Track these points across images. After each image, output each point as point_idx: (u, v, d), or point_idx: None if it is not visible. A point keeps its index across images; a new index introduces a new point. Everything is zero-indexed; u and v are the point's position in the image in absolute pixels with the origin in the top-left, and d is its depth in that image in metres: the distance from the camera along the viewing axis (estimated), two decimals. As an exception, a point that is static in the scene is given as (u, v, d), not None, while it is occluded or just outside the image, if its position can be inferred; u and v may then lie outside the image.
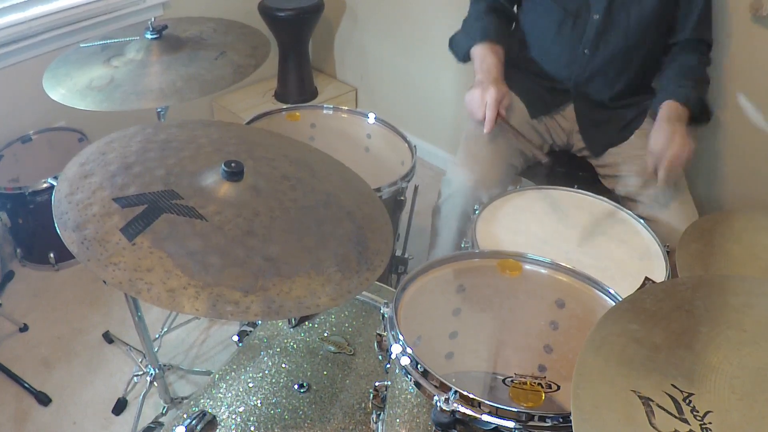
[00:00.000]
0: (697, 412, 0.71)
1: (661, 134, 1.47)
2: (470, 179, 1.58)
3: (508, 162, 1.66)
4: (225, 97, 2.84)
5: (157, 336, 1.94)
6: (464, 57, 1.71)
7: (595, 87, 1.66)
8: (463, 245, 1.39)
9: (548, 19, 1.65)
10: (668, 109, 1.51)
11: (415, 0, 2.52)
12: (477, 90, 1.57)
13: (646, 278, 1.09)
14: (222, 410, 1.16)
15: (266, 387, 1.21)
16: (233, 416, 1.15)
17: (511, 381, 1.05)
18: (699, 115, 1.56)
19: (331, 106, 1.81)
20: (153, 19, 1.57)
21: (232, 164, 0.99)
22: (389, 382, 1.03)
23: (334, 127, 1.80)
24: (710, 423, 0.69)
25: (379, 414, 1.07)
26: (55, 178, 1.03)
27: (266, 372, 1.24)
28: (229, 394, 1.19)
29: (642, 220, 1.44)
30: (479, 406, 0.87)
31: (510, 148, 1.67)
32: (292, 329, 1.33)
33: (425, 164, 2.71)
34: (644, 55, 1.65)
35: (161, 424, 1.59)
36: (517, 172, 1.73)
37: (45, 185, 2.04)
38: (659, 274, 1.29)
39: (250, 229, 0.94)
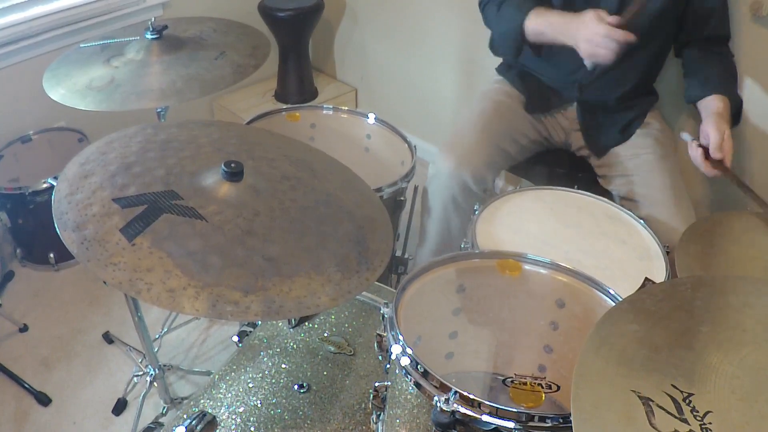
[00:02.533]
0: (697, 412, 0.71)
1: (721, 125, 1.43)
2: (452, 160, 1.58)
3: (497, 146, 1.66)
4: (225, 97, 2.84)
5: (157, 336, 1.94)
6: (518, 42, 1.56)
7: (600, 90, 1.66)
8: (462, 245, 1.39)
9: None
10: (723, 106, 1.49)
11: (415, 0, 2.52)
12: (582, 26, 1.42)
13: (646, 278, 1.09)
14: (222, 410, 1.16)
15: (266, 387, 1.21)
16: (233, 416, 1.15)
17: (511, 381, 1.05)
18: (734, 115, 1.55)
19: (331, 107, 1.81)
20: (153, 19, 1.57)
21: (232, 164, 0.99)
22: (389, 383, 1.03)
23: (334, 127, 1.80)
24: (710, 423, 0.69)
25: (379, 414, 1.07)
26: (55, 178, 1.03)
27: (266, 372, 1.24)
28: (229, 395, 1.19)
29: (642, 220, 1.44)
30: (479, 407, 0.87)
31: (501, 133, 1.67)
32: (292, 329, 1.33)
33: (425, 164, 2.70)
34: (650, 57, 1.65)
35: (161, 425, 1.59)
36: (510, 157, 1.72)
37: (45, 185, 2.04)
38: (659, 275, 1.30)
39: (250, 229, 0.94)
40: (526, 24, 1.53)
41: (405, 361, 0.94)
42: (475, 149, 1.60)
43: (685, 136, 1.48)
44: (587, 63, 1.46)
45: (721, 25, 1.62)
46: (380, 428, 1.07)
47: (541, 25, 1.51)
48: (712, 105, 1.50)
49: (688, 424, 0.69)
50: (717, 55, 1.62)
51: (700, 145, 1.42)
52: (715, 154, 1.40)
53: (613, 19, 1.39)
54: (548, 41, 1.53)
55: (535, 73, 1.73)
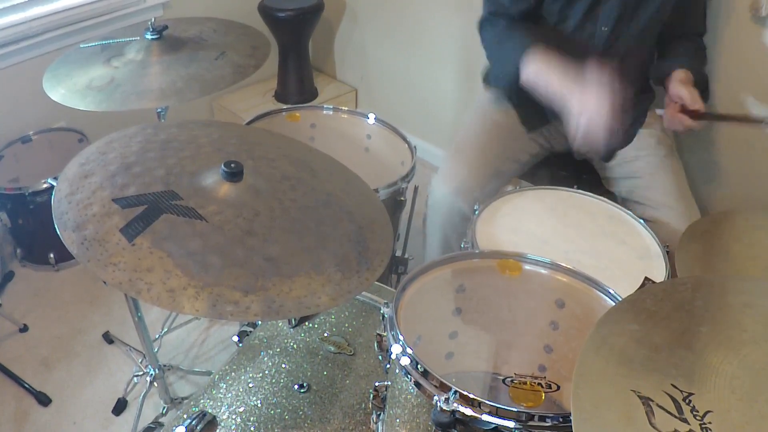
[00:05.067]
0: (697, 412, 0.71)
1: (689, 87, 1.46)
2: (449, 189, 1.57)
3: (495, 171, 1.64)
4: (225, 97, 2.84)
5: (157, 336, 1.94)
6: (514, 79, 1.49)
7: None
8: (462, 245, 1.39)
9: (554, 32, 1.62)
10: (686, 76, 1.51)
11: (415, 0, 2.52)
12: (586, 97, 1.31)
13: (646, 278, 1.09)
14: (222, 410, 1.16)
15: (266, 387, 1.21)
16: (233, 416, 1.15)
17: (511, 381, 1.05)
18: (701, 92, 1.55)
19: (331, 107, 1.81)
20: (153, 20, 1.57)
21: (232, 164, 0.99)
22: (389, 383, 1.03)
23: (334, 127, 1.80)
24: (710, 423, 0.69)
25: (379, 414, 1.07)
26: (55, 178, 1.03)
27: (266, 372, 1.24)
28: (229, 395, 1.19)
29: (642, 220, 1.44)
30: (479, 406, 0.87)
31: (499, 156, 1.66)
32: (292, 329, 1.33)
33: (425, 164, 2.70)
34: (646, 58, 1.65)
35: (161, 425, 1.60)
36: (509, 177, 1.72)
37: (45, 185, 2.04)
38: (659, 274, 1.29)
39: (250, 229, 0.94)
40: (523, 67, 1.44)
41: (405, 361, 0.94)
42: (471, 180, 1.58)
43: (660, 111, 1.50)
44: (575, 144, 1.34)
45: (699, 24, 1.65)
46: (380, 428, 1.07)
47: (538, 75, 1.42)
48: (675, 76, 1.52)
49: (688, 424, 0.69)
50: (687, 40, 1.64)
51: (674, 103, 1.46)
52: (693, 105, 1.43)
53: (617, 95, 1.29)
54: (541, 92, 1.42)
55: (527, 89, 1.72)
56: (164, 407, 1.65)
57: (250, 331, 1.33)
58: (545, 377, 1.05)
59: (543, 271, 1.17)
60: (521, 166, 1.73)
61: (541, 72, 1.42)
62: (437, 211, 1.61)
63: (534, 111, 1.68)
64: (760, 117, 1.39)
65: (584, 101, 1.32)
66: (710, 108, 1.49)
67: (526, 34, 1.51)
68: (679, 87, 1.47)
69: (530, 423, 0.85)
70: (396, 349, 0.95)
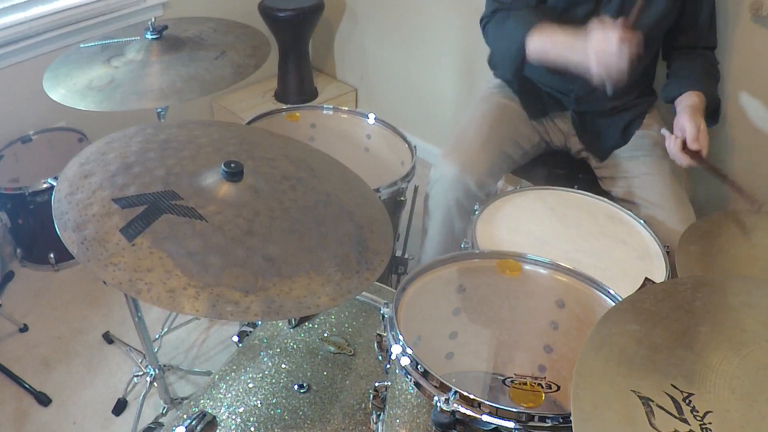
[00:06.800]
0: (697, 412, 0.71)
1: (696, 118, 1.43)
2: (456, 165, 1.57)
3: (500, 150, 1.64)
4: (225, 97, 2.84)
5: (157, 336, 1.94)
6: (518, 60, 1.50)
7: (597, 101, 1.65)
8: (463, 245, 1.39)
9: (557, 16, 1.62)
10: (699, 100, 1.49)
11: (415, 0, 2.52)
12: (589, 38, 1.34)
13: (646, 278, 1.09)
14: (222, 411, 1.16)
15: (266, 387, 1.21)
16: (233, 416, 1.15)
17: (511, 381, 1.05)
18: (711, 113, 1.55)
19: (331, 107, 1.81)
20: (153, 20, 1.57)
21: (232, 164, 0.99)
22: (389, 383, 1.03)
23: (334, 127, 1.80)
24: (710, 423, 0.69)
25: (379, 414, 1.07)
26: (55, 178, 1.03)
27: (266, 372, 1.24)
28: (229, 395, 1.19)
29: (642, 221, 1.44)
30: (479, 407, 0.87)
31: (504, 137, 1.66)
32: (292, 330, 1.33)
33: (425, 164, 2.70)
34: (647, 63, 1.65)
35: (161, 425, 1.60)
36: (513, 161, 1.72)
37: (45, 185, 2.04)
38: (659, 274, 1.30)
39: (250, 229, 0.94)
40: (528, 41, 1.45)
41: (405, 361, 0.94)
42: (478, 155, 1.59)
43: (664, 131, 1.49)
44: (608, 87, 1.37)
45: (707, 36, 1.62)
46: (380, 428, 1.07)
47: (545, 43, 1.44)
48: (687, 100, 1.50)
49: (688, 424, 0.69)
50: (701, 57, 1.62)
51: (677, 138, 1.43)
52: (692, 145, 1.41)
53: (621, 20, 1.33)
54: (552, 60, 1.45)
55: (532, 79, 1.72)
56: (164, 407, 1.64)
57: (250, 331, 1.33)
58: (545, 377, 1.05)
59: (543, 271, 1.17)
60: (523, 153, 1.73)
61: (546, 39, 1.44)
62: (442, 188, 1.60)
63: (534, 102, 1.69)
64: (754, 198, 1.37)
65: (592, 39, 1.34)
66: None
67: (529, 14, 1.51)
68: (686, 119, 1.43)
69: (530, 423, 0.85)
70: (396, 349, 0.95)
